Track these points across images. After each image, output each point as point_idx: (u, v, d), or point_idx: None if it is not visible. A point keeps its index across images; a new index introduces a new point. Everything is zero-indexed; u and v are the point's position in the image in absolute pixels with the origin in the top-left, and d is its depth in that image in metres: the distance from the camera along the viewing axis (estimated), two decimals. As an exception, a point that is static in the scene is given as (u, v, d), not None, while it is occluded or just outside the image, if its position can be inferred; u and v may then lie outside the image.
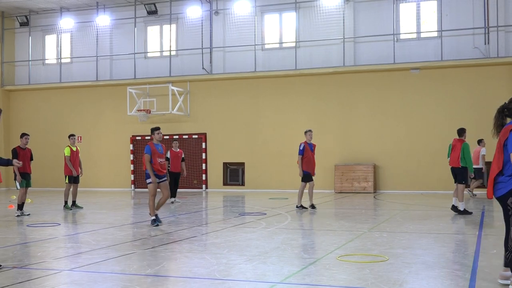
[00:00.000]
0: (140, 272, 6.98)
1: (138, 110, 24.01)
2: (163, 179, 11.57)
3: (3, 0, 25.20)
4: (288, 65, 23.24)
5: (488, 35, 20.97)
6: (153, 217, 11.52)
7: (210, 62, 24.35)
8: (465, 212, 13.18)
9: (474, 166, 18.57)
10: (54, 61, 27.36)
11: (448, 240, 9.67)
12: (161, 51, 25.58)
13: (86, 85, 26.10)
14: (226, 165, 24.24)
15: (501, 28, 20.82)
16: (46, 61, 27.58)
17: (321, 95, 22.80)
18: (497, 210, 13.75)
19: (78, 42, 26.57)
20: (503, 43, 20.78)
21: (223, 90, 24.10)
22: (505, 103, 5.99)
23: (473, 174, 14.27)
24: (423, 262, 7.40)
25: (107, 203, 18.26)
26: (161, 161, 11.54)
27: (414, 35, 22.32)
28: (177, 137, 22.91)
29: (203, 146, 24.30)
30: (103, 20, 25.71)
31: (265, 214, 13.75)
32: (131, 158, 25.26)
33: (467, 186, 17.27)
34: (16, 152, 13.57)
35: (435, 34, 21.84)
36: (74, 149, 15.67)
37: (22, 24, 27.33)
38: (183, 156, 17.47)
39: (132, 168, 25.24)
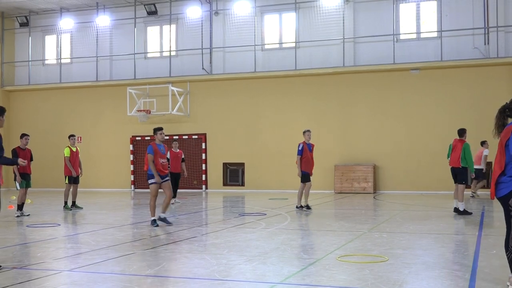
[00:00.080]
0: (140, 273, 6.98)
1: (138, 111, 24.01)
2: (165, 179, 11.57)
3: (3, 0, 25.19)
4: (288, 66, 23.24)
5: (488, 36, 20.97)
6: (153, 218, 11.53)
7: (210, 62, 24.35)
8: (465, 213, 13.18)
9: (475, 167, 18.60)
10: (54, 62, 27.35)
11: (448, 241, 9.67)
12: (161, 52, 25.58)
13: (86, 86, 26.10)
14: (226, 165, 24.24)
15: (501, 29, 20.82)
16: (46, 62, 27.58)
17: (321, 96, 22.80)
18: (497, 211, 13.75)
19: (78, 43, 26.57)
20: (503, 43, 20.78)
21: (223, 91, 24.10)
22: (507, 103, 5.98)
23: (474, 174, 14.27)
24: (423, 263, 7.40)
25: (107, 203, 18.26)
26: (163, 162, 11.54)
27: (414, 36, 22.32)
28: (177, 137, 22.88)
29: (203, 147, 24.30)
30: (103, 20, 25.71)
31: (265, 214, 13.75)
32: (131, 159, 25.26)
33: (468, 186, 17.29)
34: (16, 153, 13.56)
35: (435, 34, 21.84)
36: (74, 149, 15.67)
37: (22, 25, 27.33)
38: (183, 156, 17.46)
39: (132, 169, 25.24)
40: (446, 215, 13.45)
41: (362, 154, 22.17)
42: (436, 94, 21.45)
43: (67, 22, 26.35)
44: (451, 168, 13.60)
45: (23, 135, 13.99)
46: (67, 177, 15.58)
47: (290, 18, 23.66)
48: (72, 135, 15.98)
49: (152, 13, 25.10)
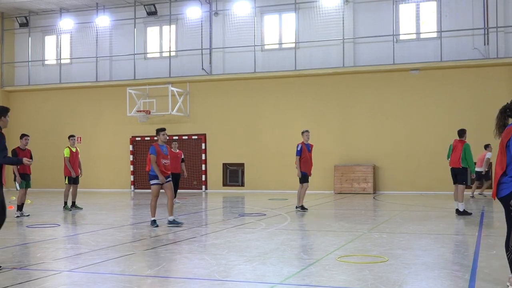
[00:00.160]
0: (139, 273, 6.99)
1: (138, 111, 24.01)
2: (167, 180, 11.54)
3: (2, 1, 25.19)
4: (287, 66, 23.25)
5: (488, 36, 20.98)
6: (153, 218, 11.53)
7: (210, 63, 24.36)
8: (464, 213, 13.18)
9: (477, 169, 18.67)
10: (54, 62, 27.36)
11: (448, 241, 9.67)
12: (161, 52, 25.58)
13: (86, 86, 26.10)
14: (225, 165, 24.24)
15: (501, 29, 20.83)
16: (46, 62, 27.58)
17: (320, 96, 22.80)
18: (497, 211, 13.75)
19: (78, 43, 26.57)
20: (503, 43, 20.79)
21: (222, 91, 24.10)
22: (507, 103, 5.97)
23: (474, 175, 14.28)
24: (423, 263, 7.40)
25: (106, 204, 18.26)
26: (165, 163, 11.49)
27: (414, 36, 22.33)
28: (176, 138, 22.89)
29: (203, 147, 24.30)
30: (102, 21, 25.71)
31: (265, 215, 13.75)
32: (131, 159, 25.25)
33: (468, 187, 17.32)
34: (16, 153, 13.55)
35: (435, 35, 21.85)
36: (74, 150, 15.67)
37: (22, 25, 27.33)
38: (182, 157, 17.45)
39: (132, 169, 25.23)
40: (446, 215, 13.45)
41: (362, 155, 22.17)
42: (436, 94, 21.46)
43: (67, 23, 26.35)
44: (451, 168, 13.60)
45: (23, 136, 13.98)
46: (66, 177, 15.58)
47: (290, 18, 23.66)
48: (72, 136, 15.98)
49: (152, 13, 25.11)
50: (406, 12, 22.39)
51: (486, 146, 18.62)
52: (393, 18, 21.99)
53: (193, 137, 24.44)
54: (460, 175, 13.42)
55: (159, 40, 25.67)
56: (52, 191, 24.09)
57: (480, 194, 19.16)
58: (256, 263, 7.42)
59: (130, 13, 25.52)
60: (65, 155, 15.52)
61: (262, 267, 7.21)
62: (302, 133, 14.72)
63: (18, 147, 13.85)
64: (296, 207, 14.66)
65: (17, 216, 13.63)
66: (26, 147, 13.96)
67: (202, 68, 24.35)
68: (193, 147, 24.45)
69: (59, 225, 12.22)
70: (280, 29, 23.86)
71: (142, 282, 6.54)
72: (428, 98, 21.55)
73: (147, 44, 25.75)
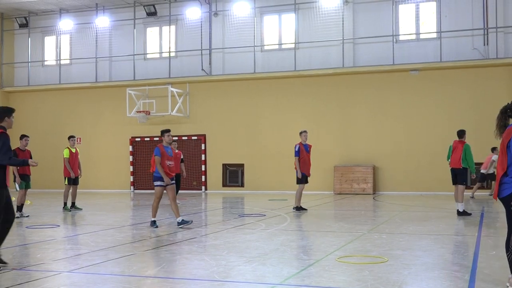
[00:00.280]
0: (139, 274, 6.99)
1: (138, 112, 24.01)
2: (171, 182, 11.49)
3: (2, 1, 25.19)
4: (287, 66, 23.25)
5: (487, 36, 20.99)
6: (153, 219, 11.52)
7: (210, 63, 24.36)
8: (464, 213, 13.17)
9: (482, 171, 18.67)
10: (54, 63, 27.35)
11: (448, 241, 9.67)
12: (161, 53, 25.58)
13: (86, 87, 26.10)
14: (225, 166, 24.24)
15: (500, 29, 20.84)
16: (46, 63, 27.58)
17: (320, 96, 22.80)
18: (496, 212, 13.74)
19: (78, 44, 26.56)
20: (502, 44, 20.80)
21: (222, 92, 24.10)
22: (508, 103, 5.97)
23: (474, 175, 14.30)
24: (423, 264, 7.40)
25: (106, 204, 18.25)
26: (170, 164, 11.43)
27: (413, 36, 22.33)
28: (176, 138, 22.86)
29: (203, 148, 24.29)
30: (102, 21, 25.71)
31: (265, 215, 13.75)
32: (131, 160, 25.25)
33: (468, 187, 17.31)
34: (15, 154, 13.54)
35: (434, 35, 21.85)
36: (74, 150, 15.67)
37: (22, 26, 27.33)
38: (182, 157, 17.45)
39: (131, 170, 25.23)
40: (445, 216, 13.45)
41: (362, 155, 22.17)
42: (436, 95, 21.46)
43: (66, 23, 26.35)
44: (451, 169, 13.59)
45: (22, 136, 13.97)
46: (66, 178, 15.59)
47: (289, 19, 23.66)
48: (72, 136, 15.98)
49: (152, 14, 25.11)
50: (405, 12, 22.40)
51: (493, 149, 18.57)
52: (392, 18, 22.00)
53: (193, 137, 24.43)
54: (460, 176, 13.42)
55: (158, 40, 25.68)
56: (52, 192, 24.08)
57: (491, 194, 19.03)
58: (255, 264, 7.41)
59: (130, 13, 25.52)
60: (64, 156, 15.52)
61: (262, 267, 7.21)
62: (300, 133, 14.72)
63: (18, 147, 13.84)
64: (293, 208, 14.64)
65: (17, 217, 13.60)
66: (26, 147, 13.96)
67: (202, 69, 24.35)
68: (193, 147, 24.45)
69: (59, 226, 12.22)
70: (279, 30, 23.86)
71: (142, 282, 6.54)
72: (427, 98, 21.55)
73: (146, 44, 25.75)
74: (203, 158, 24.26)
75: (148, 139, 24.75)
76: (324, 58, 22.82)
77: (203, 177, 24.23)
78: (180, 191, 19.29)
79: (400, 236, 9.99)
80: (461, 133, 13.53)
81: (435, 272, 6.91)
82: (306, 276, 6.73)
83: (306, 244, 9.59)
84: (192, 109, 24.53)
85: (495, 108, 6.28)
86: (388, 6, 22.11)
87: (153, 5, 24.99)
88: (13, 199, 17.77)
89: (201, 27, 24.47)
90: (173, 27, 25.20)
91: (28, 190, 14.21)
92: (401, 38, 22.33)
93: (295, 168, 14.52)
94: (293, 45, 23.34)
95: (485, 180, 19.01)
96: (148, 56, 25.79)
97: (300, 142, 14.55)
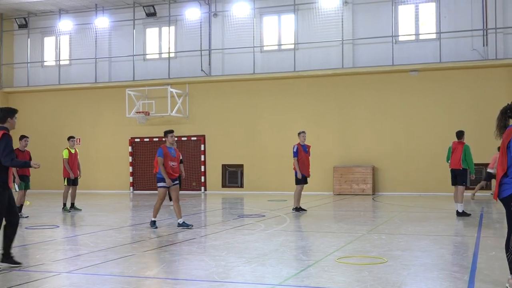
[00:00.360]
0: (139, 274, 6.98)
1: (137, 112, 24.00)
2: (175, 183, 11.46)
3: (2, 2, 25.18)
4: (287, 67, 23.25)
5: (487, 37, 21.00)
6: (154, 219, 11.51)
7: (209, 64, 24.36)
8: (463, 214, 13.18)
9: (489, 170, 18.68)
10: (53, 63, 27.34)
11: (447, 242, 9.67)
12: (160, 53, 25.58)
13: (85, 87, 26.09)
14: (225, 167, 24.23)
15: (500, 30, 20.85)
16: (45, 63, 27.57)
17: (320, 97, 22.80)
18: (496, 212, 13.74)
19: (77, 44, 26.55)
20: (502, 45, 20.81)
21: (222, 92, 24.10)
22: (508, 104, 5.98)
23: (473, 176, 14.30)
24: (422, 264, 7.40)
25: (106, 205, 18.24)
26: (173, 165, 11.39)
27: (413, 37, 22.33)
28: (176, 139, 22.84)
29: (202, 148, 24.28)
30: (102, 22, 25.71)
31: (264, 216, 13.75)
32: (130, 160, 25.24)
33: (468, 188, 17.30)
34: (15, 155, 13.52)
35: (434, 36, 21.86)
36: (73, 151, 15.66)
37: (21, 26, 27.32)
38: (181, 157, 17.40)
39: (131, 170, 25.21)
40: (445, 216, 13.45)
41: (361, 156, 22.17)
42: (435, 95, 21.47)
43: (66, 24, 26.35)
44: (452, 169, 13.59)
45: (22, 137, 13.96)
46: (66, 178, 15.58)
47: (289, 19, 23.66)
48: (72, 137, 15.98)
49: (151, 14, 25.11)
50: (405, 13, 22.41)
51: (499, 149, 18.52)
52: (392, 19, 22.00)
53: (192, 138, 24.42)
54: (460, 176, 13.42)
55: (158, 41, 25.68)
56: (51, 192, 24.06)
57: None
58: (255, 265, 7.41)
59: (129, 14, 25.52)
60: (63, 157, 15.52)
61: (261, 268, 7.21)
62: (299, 134, 14.73)
63: (18, 148, 13.82)
64: (297, 209, 14.61)
65: (16, 218, 13.60)
66: (26, 148, 13.95)
67: (201, 69, 24.35)
68: (192, 148, 24.44)
69: (58, 227, 12.22)
70: (279, 30, 23.86)
71: (141, 283, 6.54)
72: (427, 99, 21.56)
73: (146, 45, 25.74)
74: (202, 159, 24.25)
75: (147, 139, 24.75)
76: (324, 58, 22.83)
77: (202, 177, 24.22)
78: (180, 192, 19.30)
79: (399, 237, 9.99)
80: (460, 134, 13.53)
81: (435, 273, 6.91)
82: (306, 277, 6.73)
83: (306, 245, 9.59)
84: (192, 110, 24.53)
85: (494, 108, 6.29)
86: (388, 7, 22.12)
87: (153, 6, 24.99)
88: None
89: (201, 27, 24.47)
90: (172, 28, 25.20)
91: (28, 190, 14.21)
92: (401, 39, 22.34)
93: (294, 168, 14.52)
94: (292, 46, 23.35)
95: (491, 179, 18.95)
96: (148, 56, 25.79)
97: (298, 143, 14.56)
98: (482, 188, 19.45)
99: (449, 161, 13.74)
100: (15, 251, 8.79)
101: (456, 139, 13.60)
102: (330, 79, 22.66)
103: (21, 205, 13.92)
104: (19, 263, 7.39)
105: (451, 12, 21.47)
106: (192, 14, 24.39)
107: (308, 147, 14.79)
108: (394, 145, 21.85)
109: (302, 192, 14.80)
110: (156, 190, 11.72)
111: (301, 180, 14.51)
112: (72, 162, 15.53)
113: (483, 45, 21.02)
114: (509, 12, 20.95)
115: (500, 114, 5.97)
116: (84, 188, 22.75)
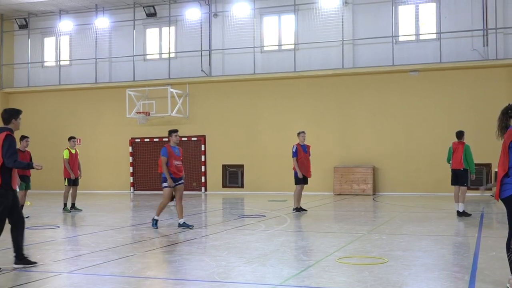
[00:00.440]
0: (139, 275, 6.99)
1: (137, 113, 24.00)
2: (180, 182, 11.45)
3: (2, 2, 25.19)
4: (287, 67, 23.25)
5: (487, 37, 21.00)
6: (156, 218, 11.51)
7: (209, 64, 24.36)
8: (464, 214, 13.18)
9: (495, 170, 18.70)
10: (53, 64, 27.35)
11: (448, 242, 9.67)
12: (160, 54, 25.58)
13: (85, 88, 26.10)
14: (225, 167, 24.24)
15: (500, 30, 20.85)
16: (45, 64, 27.58)
17: (320, 97, 22.80)
18: (496, 212, 13.74)
19: (77, 45, 26.56)
20: (502, 45, 20.80)
21: (222, 92, 24.10)
22: (509, 104, 5.97)
23: (474, 176, 14.30)
24: (423, 264, 7.40)
25: (106, 205, 18.25)
26: (177, 164, 11.38)
27: (413, 37, 22.33)
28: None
29: (202, 148, 24.29)
30: (102, 22, 25.71)
31: (265, 216, 13.75)
32: (130, 160, 25.24)
33: (469, 188, 17.30)
34: (18, 156, 13.52)
35: (434, 36, 21.86)
36: (73, 151, 15.67)
37: (21, 27, 27.33)
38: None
39: (131, 171, 25.22)
40: (445, 216, 13.45)
41: (362, 156, 22.17)
42: (435, 95, 21.47)
43: (66, 24, 26.36)
44: (452, 170, 13.58)
45: (23, 137, 13.96)
46: (66, 179, 15.59)
47: (289, 20, 23.66)
48: (72, 137, 15.99)
49: (151, 15, 25.12)
50: (405, 13, 22.40)
51: None
52: (392, 19, 22.00)
53: (193, 138, 24.42)
54: (461, 177, 13.42)
55: (158, 41, 25.68)
56: (52, 192, 24.08)
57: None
58: (255, 265, 7.42)
59: (129, 14, 25.53)
60: (64, 157, 15.53)
61: (262, 268, 7.21)
62: (298, 134, 14.74)
63: (18, 149, 13.82)
64: (297, 209, 14.61)
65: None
66: (26, 149, 13.95)
67: (202, 70, 24.35)
68: (193, 148, 24.44)
69: (59, 227, 12.22)
70: (279, 31, 23.86)
71: (141, 283, 6.54)
72: (427, 99, 21.56)
73: (146, 45, 25.75)
74: (202, 159, 24.26)
75: (148, 140, 24.76)
76: (324, 59, 22.83)
77: (203, 178, 24.23)
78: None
79: (400, 237, 9.99)
80: (460, 134, 13.53)
81: (435, 273, 6.91)
82: (306, 277, 6.74)
83: (306, 245, 9.59)
84: (192, 110, 24.53)
85: (494, 109, 6.29)
86: (388, 7, 22.12)
87: (153, 6, 24.99)
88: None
89: (201, 28, 24.48)
90: (172, 28, 25.20)
91: (28, 191, 14.21)
92: (401, 39, 22.34)
93: (294, 169, 14.53)
94: (292, 46, 23.35)
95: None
96: (148, 57, 25.79)
97: (298, 143, 14.56)
98: (489, 189, 19.41)
99: (450, 162, 13.74)
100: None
101: (456, 139, 13.61)
102: (330, 79, 22.67)
103: (22, 206, 13.90)
104: (33, 263, 7.47)
105: (451, 12, 21.47)
106: (192, 14, 24.40)
107: (308, 147, 14.78)
108: (395, 145, 21.85)
109: (303, 192, 14.80)
110: (158, 190, 11.72)
111: (301, 180, 14.51)
112: (72, 163, 15.54)
113: (483, 45, 21.02)
114: (509, 12, 20.95)
115: (501, 114, 5.96)
116: (84, 189, 22.74)
